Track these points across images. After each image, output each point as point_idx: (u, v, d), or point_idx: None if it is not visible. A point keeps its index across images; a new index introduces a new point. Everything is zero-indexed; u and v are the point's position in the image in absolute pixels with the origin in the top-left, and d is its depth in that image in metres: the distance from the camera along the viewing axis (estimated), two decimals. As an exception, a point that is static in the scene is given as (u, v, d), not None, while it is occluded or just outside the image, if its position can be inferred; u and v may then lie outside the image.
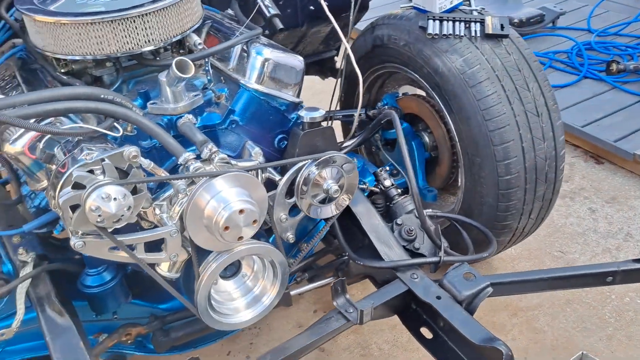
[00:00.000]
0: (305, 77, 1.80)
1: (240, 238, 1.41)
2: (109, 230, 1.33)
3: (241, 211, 1.37)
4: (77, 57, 1.54)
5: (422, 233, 1.77)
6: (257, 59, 1.62)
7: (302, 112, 1.62)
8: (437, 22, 2.02)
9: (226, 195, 1.36)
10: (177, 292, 1.48)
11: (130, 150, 1.30)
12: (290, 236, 1.69)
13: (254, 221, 1.41)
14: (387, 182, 1.95)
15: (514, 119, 1.92)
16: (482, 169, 1.98)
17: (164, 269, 1.49)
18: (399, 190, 1.96)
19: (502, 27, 1.99)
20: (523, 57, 2.00)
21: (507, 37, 1.99)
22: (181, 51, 1.75)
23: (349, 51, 1.87)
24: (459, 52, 1.96)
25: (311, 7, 2.34)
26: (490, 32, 1.98)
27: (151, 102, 1.54)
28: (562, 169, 2.08)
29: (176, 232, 1.40)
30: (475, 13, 2.07)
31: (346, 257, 1.80)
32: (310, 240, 1.79)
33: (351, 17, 2.06)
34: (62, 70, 1.62)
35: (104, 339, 1.74)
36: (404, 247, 1.74)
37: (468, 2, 2.14)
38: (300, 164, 1.57)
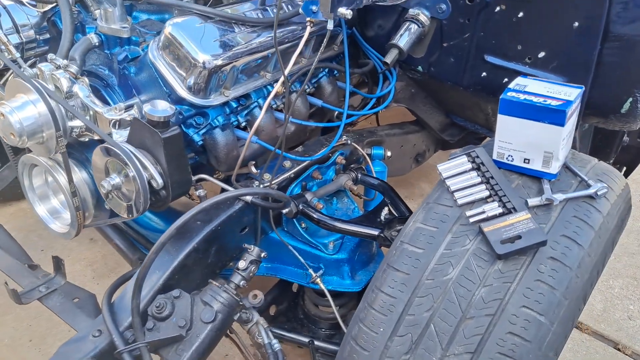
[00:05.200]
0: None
1: (12, 134, 1.44)
2: None
3: (2, 115, 1.42)
4: None
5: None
6: (164, 30, 1.46)
7: (146, 106, 1.38)
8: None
9: (11, 98, 1.44)
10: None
11: None
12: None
13: (11, 133, 1.42)
14: None
15: (382, 349, 1.14)
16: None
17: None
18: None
19: (511, 241, 1.09)
20: (504, 297, 1.08)
21: (500, 259, 1.09)
22: None
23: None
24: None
25: (483, 74, 1.71)
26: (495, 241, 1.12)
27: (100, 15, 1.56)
28: None
29: None
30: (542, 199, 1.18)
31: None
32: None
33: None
34: None
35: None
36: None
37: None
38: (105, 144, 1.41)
